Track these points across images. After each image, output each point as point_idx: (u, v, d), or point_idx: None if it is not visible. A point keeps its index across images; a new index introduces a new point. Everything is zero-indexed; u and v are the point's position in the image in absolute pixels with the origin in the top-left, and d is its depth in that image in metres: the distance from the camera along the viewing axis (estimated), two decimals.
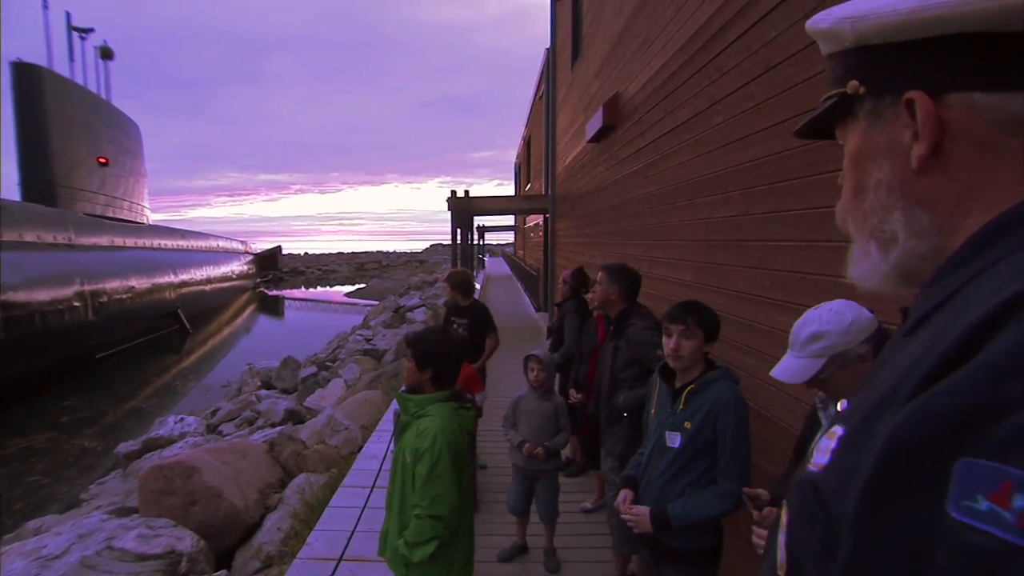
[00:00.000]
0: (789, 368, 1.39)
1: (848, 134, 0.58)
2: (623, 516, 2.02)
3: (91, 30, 26.46)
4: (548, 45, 11.79)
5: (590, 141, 6.69)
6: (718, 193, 3.04)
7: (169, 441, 8.19)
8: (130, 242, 21.81)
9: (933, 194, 0.51)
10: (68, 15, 25.51)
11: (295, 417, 8.13)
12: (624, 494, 2.09)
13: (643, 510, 1.97)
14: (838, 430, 0.48)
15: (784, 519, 0.52)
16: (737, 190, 2.80)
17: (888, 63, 0.52)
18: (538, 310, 13.54)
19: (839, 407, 0.59)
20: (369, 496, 2.64)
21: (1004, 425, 0.33)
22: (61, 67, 22.60)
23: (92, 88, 24.61)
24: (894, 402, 0.41)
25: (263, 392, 10.79)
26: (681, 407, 1.96)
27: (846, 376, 1.33)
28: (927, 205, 0.52)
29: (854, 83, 0.54)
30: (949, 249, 0.51)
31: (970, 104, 0.48)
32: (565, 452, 4.42)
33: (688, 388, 1.97)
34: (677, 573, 2.02)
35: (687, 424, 1.93)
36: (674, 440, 1.95)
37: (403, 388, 2.18)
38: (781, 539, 0.52)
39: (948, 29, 0.47)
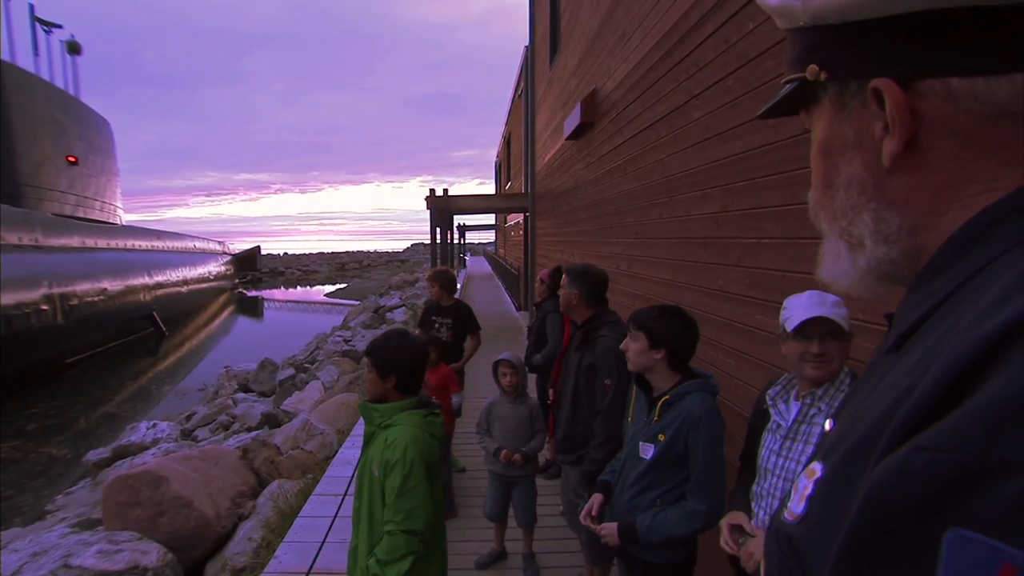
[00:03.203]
0: (829, 314, 1.42)
1: (814, 120, 0.50)
2: (593, 529, 1.96)
3: (58, 26, 25.68)
4: (527, 43, 11.71)
5: (568, 139, 6.62)
6: (696, 190, 2.99)
7: (141, 448, 7.95)
8: (102, 243, 21.20)
9: (907, 193, 0.44)
10: (31, 7, 24.71)
11: (272, 421, 7.95)
12: (594, 500, 2.03)
13: (611, 526, 1.92)
14: (817, 468, 0.40)
15: (761, 569, 0.46)
16: (716, 186, 2.75)
17: (849, 45, 0.44)
18: (519, 309, 13.48)
19: (827, 426, 0.51)
20: (341, 504, 2.53)
21: (1001, 492, 0.26)
22: (25, 62, 21.93)
23: (59, 84, 23.91)
24: (875, 445, 0.34)
25: (240, 395, 10.55)
26: (656, 418, 1.89)
27: (845, 349, 1.46)
28: (899, 206, 0.45)
29: (814, 67, 0.46)
30: (924, 249, 0.44)
31: (947, 91, 0.40)
32: (544, 454, 4.36)
33: (663, 399, 1.89)
34: None
35: (661, 436, 1.85)
36: (647, 451, 1.88)
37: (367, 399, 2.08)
38: None
39: (914, 5, 0.39)
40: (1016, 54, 0.38)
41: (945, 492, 0.28)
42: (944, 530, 0.28)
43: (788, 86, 0.51)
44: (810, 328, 1.43)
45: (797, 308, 1.47)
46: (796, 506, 0.40)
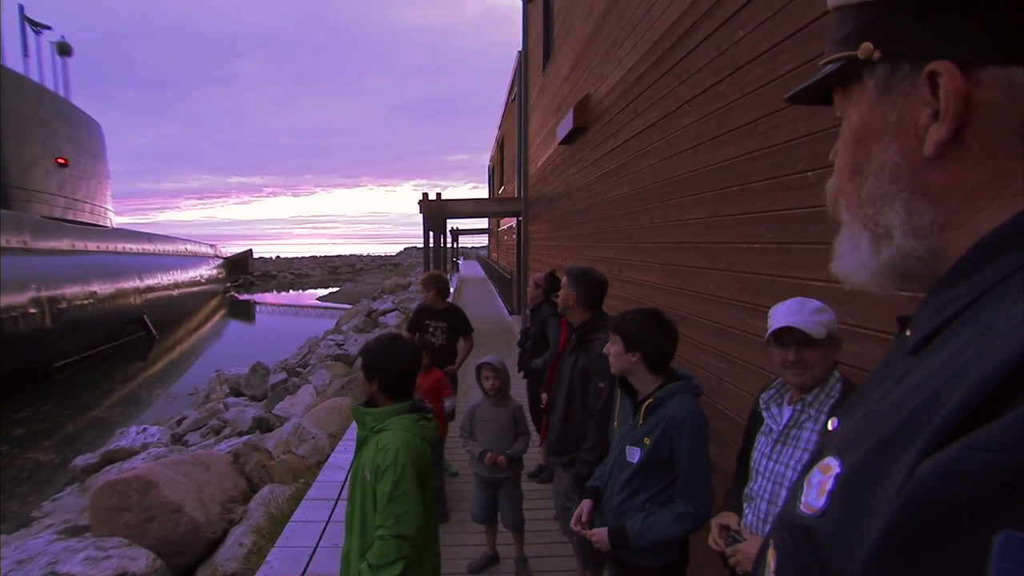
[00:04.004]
0: (801, 323, 1.45)
1: (850, 104, 0.49)
2: (581, 534, 1.98)
3: (47, 27, 25.48)
4: (521, 48, 11.75)
5: (561, 143, 6.65)
6: (688, 195, 3.01)
7: (130, 453, 7.87)
8: (92, 246, 21.02)
9: (943, 186, 0.43)
10: (21, 7, 24.50)
11: (263, 425, 7.89)
12: (584, 506, 2.04)
13: (601, 531, 1.93)
14: (833, 463, 0.40)
15: (772, 562, 0.45)
16: (707, 192, 2.77)
17: (913, 23, 0.43)
18: (512, 313, 13.48)
19: (830, 426, 0.52)
20: (333, 509, 2.53)
21: None
22: (14, 63, 21.75)
23: (49, 86, 23.72)
24: (910, 442, 0.34)
25: (231, 400, 10.47)
26: (641, 421, 1.90)
27: (825, 355, 1.47)
28: (933, 199, 0.44)
29: (868, 46, 0.45)
30: (951, 250, 0.43)
31: (1008, 81, 0.39)
32: (537, 459, 4.36)
33: (647, 402, 1.90)
34: None
35: (646, 440, 1.87)
36: (634, 455, 1.89)
37: (361, 402, 2.08)
38: None
39: None
40: None
41: (999, 493, 0.28)
42: (996, 531, 0.27)
43: (830, 66, 0.49)
44: (786, 336, 1.47)
45: (777, 317, 1.51)
46: (815, 500, 0.40)
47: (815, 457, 0.46)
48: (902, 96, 0.44)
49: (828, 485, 0.39)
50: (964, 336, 0.37)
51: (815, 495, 0.40)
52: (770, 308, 1.73)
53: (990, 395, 0.30)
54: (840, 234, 0.52)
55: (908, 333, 0.46)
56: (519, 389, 4.51)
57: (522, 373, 4.60)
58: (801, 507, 0.41)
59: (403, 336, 2.16)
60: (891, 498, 0.32)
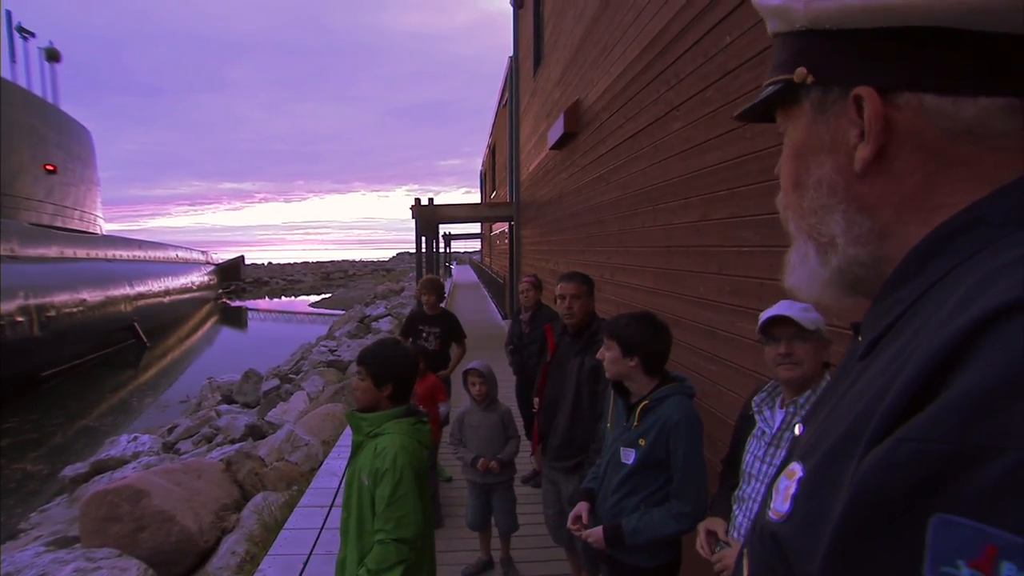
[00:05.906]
0: (792, 314, 1.48)
1: (791, 123, 0.53)
2: (577, 535, 1.99)
3: (32, 34, 25.34)
4: (511, 53, 11.80)
5: (552, 148, 6.68)
6: (678, 199, 3.04)
7: (121, 462, 7.79)
8: (81, 253, 20.85)
9: (875, 199, 0.47)
10: (8, 14, 24.36)
11: (256, 432, 7.84)
12: (579, 508, 2.05)
13: (596, 530, 1.94)
14: (797, 468, 0.42)
15: (745, 571, 0.47)
16: (697, 196, 2.80)
17: (840, 52, 0.46)
18: (505, 317, 13.48)
19: (796, 430, 0.54)
20: (327, 516, 2.52)
21: (981, 477, 0.28)
22: (1, 69, 21.60)
23: (37, 92, 23.56)
24: (857, 443, 0.36)
25: (223, 407, 10.39)
26: (636, 423, 1.92)
27: (815, 351, 1.49)
28: (869, 211, 0.47)
29: (802, 71, 0.49)
30: (889, 258, 0.47)
31: (920, 106, 0.43)
32: (532, 465, 4.36)
33: (642, 404, 1.92)
34: None
35: (641, 441, 1.88)
36: (628, 456, 1.91)
37: (356, 408, 2.07)
38: None
39: (910, 20, 0.42)
40: (986, 79, 0.41)
41: (929, 480, 0.30)
42: (930, 516, 0.29)
43: (771, 88, 0.53)
44: (777, 330, 1.51)
45: (767, 315, 1.54)
46: (781, 505, 0.42)
47: (783, 463, 0.48)
48: (834, 117, 0.48)
49: (792, 490, 0.41)
50: (902, 338, 0.40)
51: (781, 500, 0.42)
52: (759, 312, 1.76)
53: (919, 389, 0.33)
54: (791, 249, 0.55)
55: (860, 339, 0.48)
56: (508, 394, 4.50)
57: (518, 376, 4.58)
58: (770, 514, 0.43)
59: (401, 341, 2.17)
60: (843, 496, 0.34)
